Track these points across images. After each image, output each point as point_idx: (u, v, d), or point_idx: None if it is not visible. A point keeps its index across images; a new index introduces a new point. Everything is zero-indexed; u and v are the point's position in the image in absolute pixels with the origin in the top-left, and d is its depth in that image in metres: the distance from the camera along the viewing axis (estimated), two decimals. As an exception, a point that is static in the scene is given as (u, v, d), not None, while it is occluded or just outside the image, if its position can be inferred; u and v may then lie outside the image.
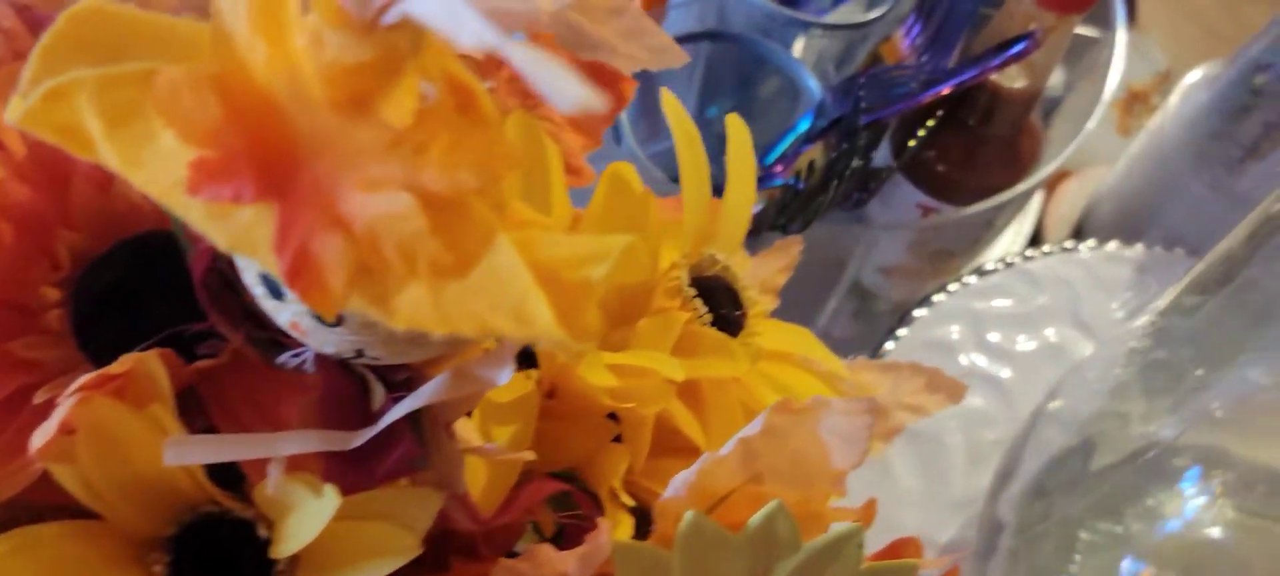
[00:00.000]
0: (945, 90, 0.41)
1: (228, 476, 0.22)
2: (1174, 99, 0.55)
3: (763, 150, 0.54)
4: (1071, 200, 0.64)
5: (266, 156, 0.17)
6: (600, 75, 0.35)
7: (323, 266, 0.17)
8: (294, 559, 0.22)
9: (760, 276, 0.34)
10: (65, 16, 0.19)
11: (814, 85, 0.51)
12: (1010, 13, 0.42)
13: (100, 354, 0.23)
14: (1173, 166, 0.54)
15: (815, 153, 0.47)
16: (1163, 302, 0.35)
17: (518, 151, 0.17)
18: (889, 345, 0.44)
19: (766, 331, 0.29)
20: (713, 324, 0.26)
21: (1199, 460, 0.32)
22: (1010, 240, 0.62)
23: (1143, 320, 0.36)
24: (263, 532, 0.22)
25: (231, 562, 0.22)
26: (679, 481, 0.21)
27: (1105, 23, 0.55)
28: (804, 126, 0.49)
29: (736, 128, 0.29)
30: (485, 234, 0.17)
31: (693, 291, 0.26)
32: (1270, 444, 0.30)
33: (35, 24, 0.27)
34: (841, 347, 0.58)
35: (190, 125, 0.17)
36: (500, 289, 0.17)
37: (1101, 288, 0.46)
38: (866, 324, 0.58)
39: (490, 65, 0.34)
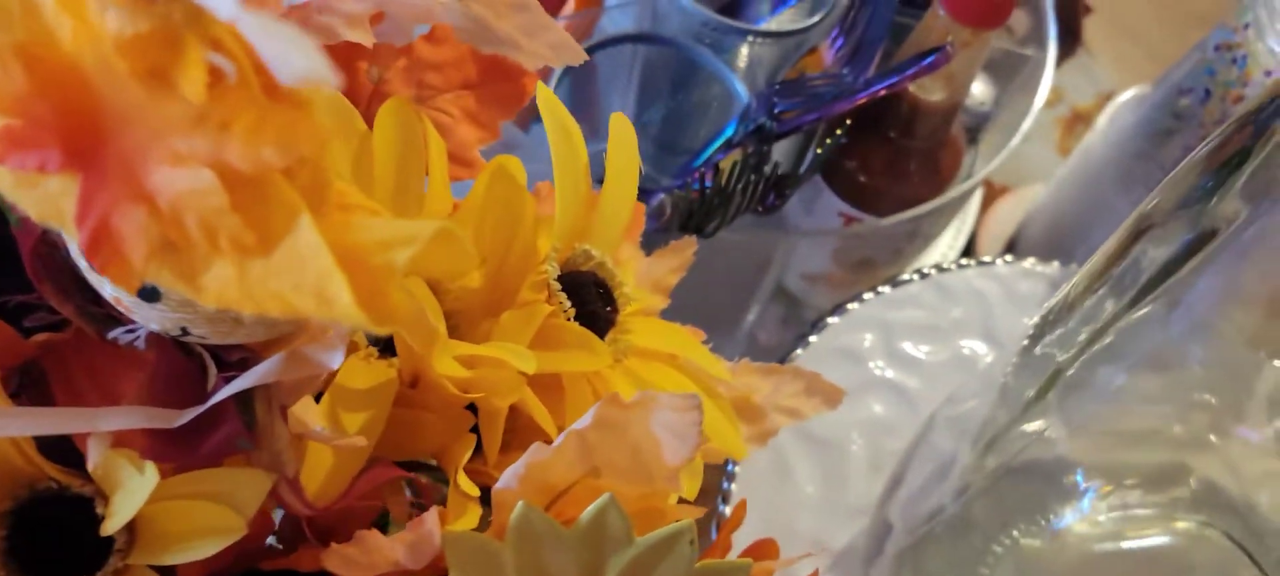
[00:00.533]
0: (859, 101, 0.41)
1: (69, 454, 0.22)
2: (1103, 119, 0.56)
3: (695, 154, 0.54)
4: (1005, 217, 0.64)
5: (73, 127, 0.17)
6: (503, 70, 0.35)
7: (123, 239, 0.17)
8: (130, 536, 0.22)
9: (653, 276, 0.35)
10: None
11: (742, 91, 0.51)
12: (928, 27, 0.42)
13: (-56, 323, 0.23)
14: (1100, 186, 0.54)
15: (734, 158, 0.47)
16: (1050, 302, 0.35)
17: (324, 131, 0.17)
18: (799, 351, 0.44)
19: (644, 330, 0.29)
20: (578, 319, 0.26)
21: (1080, 461, 0.32)
22: (941, 254, 0.63)
23: (1032, 319, 0.36)
24: (100, 510, 0.22)
25: (70, 539, 0.22)
26: (510, 473, 0.21)
27: (1041, 41, 0.56)
28: (728, 132, 0.49)
29: (619, 126, 0.29)
30: (289, 214, 0.17)
31: (558, 286, 0.26)
32: (1138, 443, 0.31)
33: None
34: (766, 353, 0.58)
35: (-6, 93, 0.17)
36: (302, 269, 0.17)
37: (1015, 303, 0.46)
38: (794, 330, 0.58)
39: (387, 53, 0.34)
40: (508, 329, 0.25)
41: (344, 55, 0.33)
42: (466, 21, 0.31)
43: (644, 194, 0.48)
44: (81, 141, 0.17)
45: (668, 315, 0.36)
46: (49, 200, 0.17)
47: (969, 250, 0.64)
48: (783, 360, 0.46)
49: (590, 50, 0.53)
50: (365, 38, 0.28)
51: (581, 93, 0.56)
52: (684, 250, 0.35)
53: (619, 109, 0.62)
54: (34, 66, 0.17)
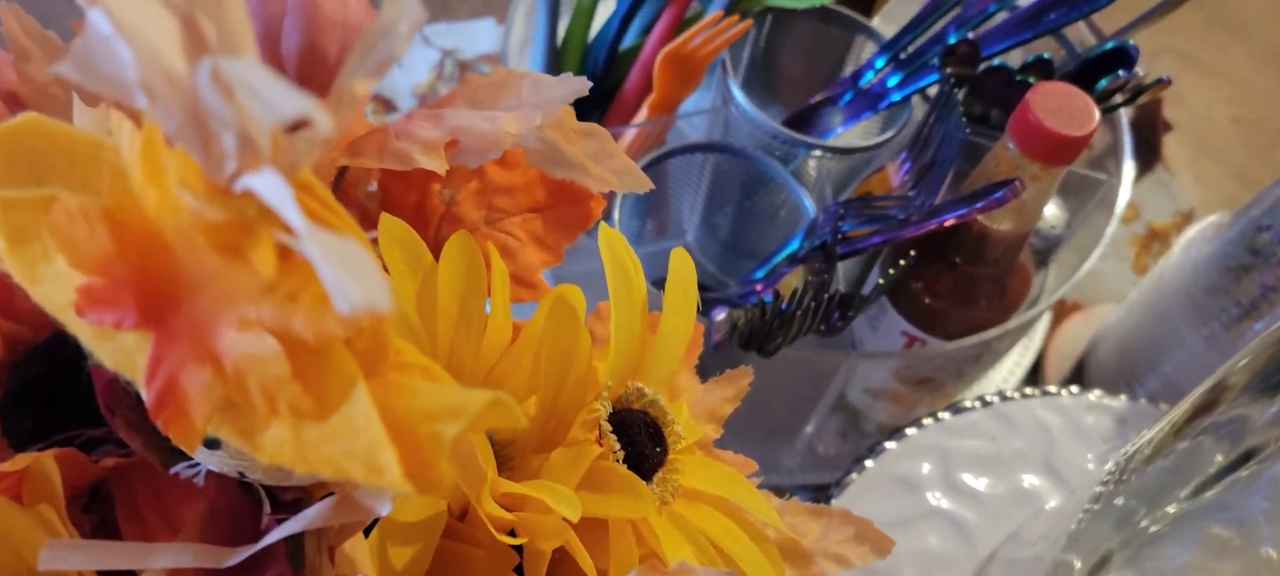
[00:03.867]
0: (925, 229, 0.41)
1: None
2: (1177, 247, 0.55)
3: (761, 259, 0.54)
4: (1075, 336, 0.63)
5: (150, 288, 0.18)
6: (570, 194, 0.36)
7: (187, 400, 0.17)
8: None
9: (707, 404, 0.35)
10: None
11: (809, 205, 0.52)
12: (998, 158, 0.42)
13: (23, 441, 0.24)
14: (1171, 316, 0.53)
15: (798, 275, 0.48)
16: (1127, 450, 0.35)
17: (391, 303, 0.17)
18: (855, 475, 0.44)
19: (693, 470, 0.29)
20: (627, 459, 0.26)
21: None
22: (1009, 370, 0.62)
23: (1106, 466, 0.36)
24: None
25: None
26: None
27: (1117, 163, 0.55)
28: (794, 246, 0.49)
29: (679, 261, 0.30)
30: (346, 383, 0.17)
31: (609, 426, 0.26)
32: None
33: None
34: (825, 465, 0.58)
35: (79, 252, 0.17)
36: (355, 437, 0.17)
37: (1079, 436, 0.45)
38: (853, 444, 0.58)
39: (460, 175, 0.35)
40: (557, 468, 0.25)
41: (418, 178, 0.34)
42: (539, 145, 0.32)
43: (706, 306, 0.49)
44: (156, 302, 0.18)
45: (730, 423, 0.36)
46: (124, 354, 0.18)
47: (1036, 369, 0.63)
48: (840, 481, 0.45)
49: (662, 158, 0.54)
50: (439, 165, 0.29)
51: (654, 194, 0.57)
52: (739, 380, 0.35)
53: (689, 211, 0.63)
54: (118, 230, 0.18)
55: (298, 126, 0.15)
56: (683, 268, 0.31)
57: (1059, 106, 0.39)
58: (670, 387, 0.33)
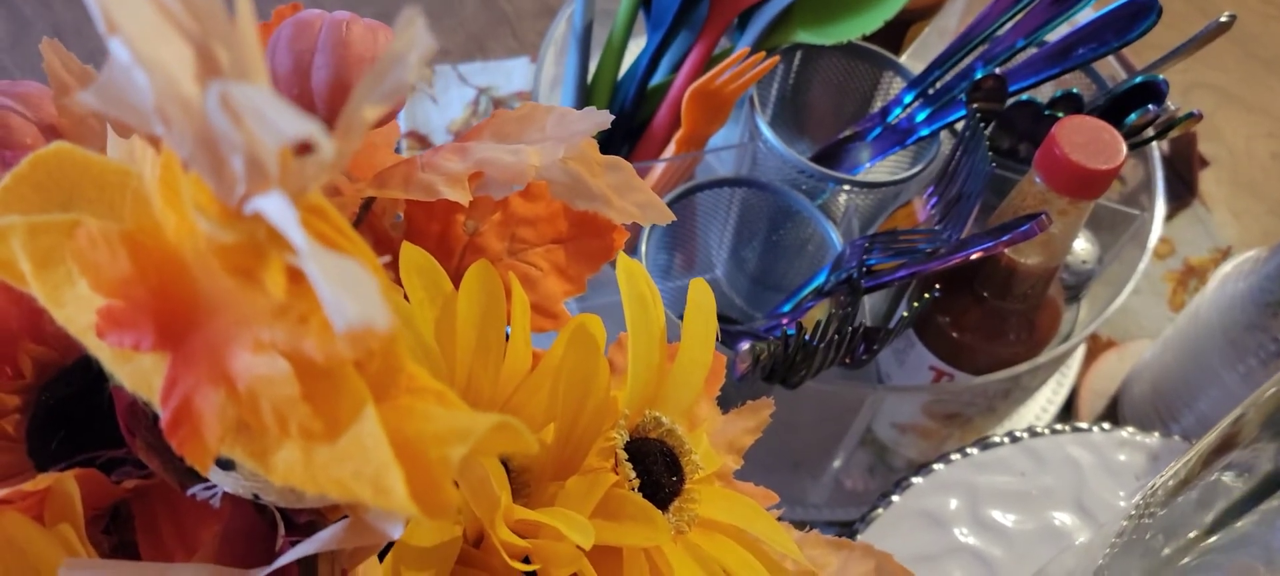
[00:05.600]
0: (951, 263, 0.41)
1: None
2: (1213, 283, 0.54)
3: (789, 292, 0.54)
4: (1109, 373, 0.62)
5: (168, 310, 0.18)
6: (593, 226, 0.36)
7: (201, 420, 0.18)
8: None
9: (728, 435, 0.35)
10: (30, 159, 0.21)
11: (836, 238, 0.52)
12: (1025, 192, 0.42)
13: (47, 461, 0.24)
14: (1207, 353, 0.52)
15: (824, 308, 0.48)
16: (1154, 483, 0.34)
17: (396, 327, 0.18)
18: (880, 510, 0.43)
19: (710, 500, 0.29)
20: (643, 488, 0.26)
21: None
22: (1042, 407, 0.61)
23: (1134, 499, 0.35)
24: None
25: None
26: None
27: (1150, 198, 0.55)
28: (820, 279, 0.49)
29: (698, 292, 0.30)
30: (355, 405, 0.18)
31: (625, 454, 0.26)
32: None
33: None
34: (852, 501, 0.57)
35: (100, 276, 0.18)
36: (363, 459, 0.17)
37: (1111, 473, 0.44)
38: (881, 479, 0.57)
39: (484, 207, 0.36)
40: (572, 496, 0.26)
41: (442, 209, 0.35)
42: (563, 177, 0.33)
43: (730, 338, 0.49)
44: (174, 324, 0.18)
45: (754, 455, 0.36)
46: (141, 375, 0.18)
47: (1069, 405, 0.62)
48: (865, 516, 0.45)
49: (690, 192, 0.54)
50: (463, 196, 0.30)
51: (682, 228, 0.57)
52: (760, 411, 0.35)
53: (717, 245, 0.64)
54: (138, 254, 0.18)
55: (308, 151, 0.15)
56: (702, 298, 0.31)
57: (1086, 141, 0.38)
58: (690, 417, 0.33)
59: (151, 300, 0.18)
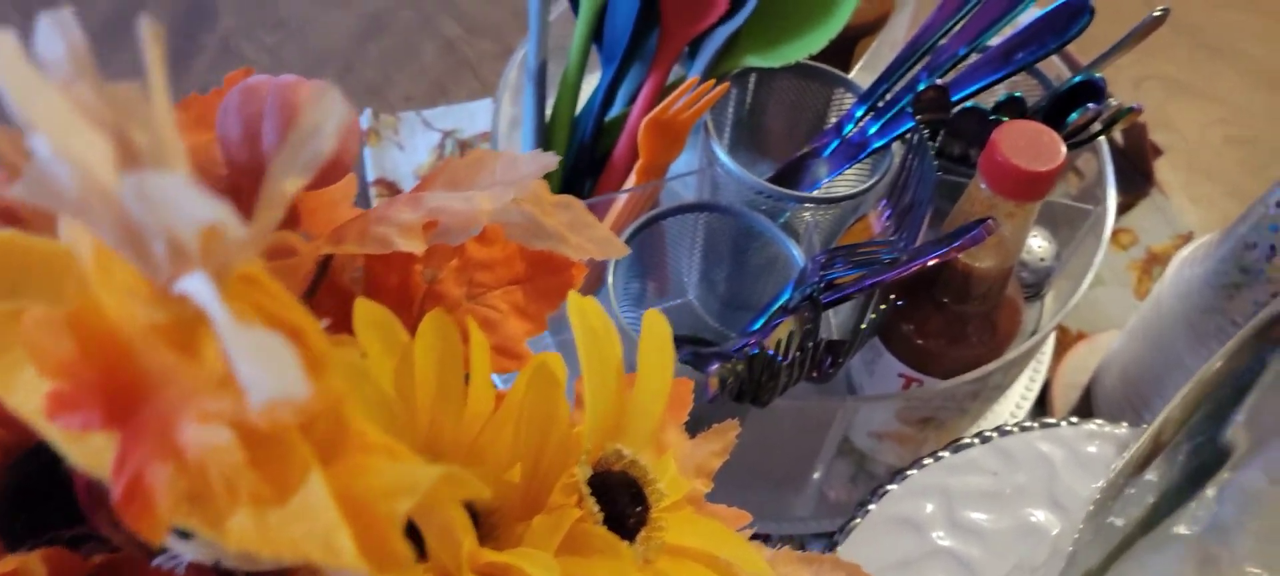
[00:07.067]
0: (903, 274, 0.42)
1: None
2: (1170, 271, 0.55)
3: (759, 310, 0.55)
4: (1080, 365, 0.63)
5: (114, 389, 0.19)
6: (550, 264, 0.37)
7: (152, 494, 0.18)
8: None
9: (696, 459, 0.35)
10: (-26, 249, 0.22)
11: (798, 255, 0.52)
12: (972, 197, 0.42)
13: (16, 541, 0.25)
14: (1170, 340, 0.53)
15: (789, 325, 0.48)
16: (1115, 466, 0.35)
17: (337, 391, 0.18)
18: (858, 520, 0.44)
19: (678, 527, 0.29)
20: (608, 521, 0.27)
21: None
22: (1016, 403, 0.62)
23: (1098, 485, 0.36)
24: None
25: None
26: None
27: (1103, 194, 0.56)
28: (785, 297, 0.50)
29: (653, 323, 0.30)
30: (302, 468, 0.18)
31: (588, 489, 0.27)
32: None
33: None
34: (837, 511, 0.58)
35: (46, 359, 0.18)
36: (313, 520, 0.18)
37: (1082, 466, 0.45)
38: (863, 487, 0.58)
39: (441, 254, 0.36)
40: (538, 534, 0.26)
41: (400, 260, 0.35)
42: (519, 218, 0.33)
43: (701, 361, 0.49)
44: (120, 402, 0.18)
45: (735, 474, 0.36)
46: (93, 453, 0.19)
47: (1042, 399, 0.63)
48: (844, 526, 0.45)
49: (656, 220, 0.55)
50: (418, 246, 0.30)
51: (650, 254, 0.58)
52: (726, 434, 0.35)
53: (687, 269, 0.64)
54: (82, 335, 0.18)
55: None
56: (656, 329, 0.31)
57: (1026, 144, 0.39)
58: (657, 444, 0.34)
59: (97, 380, 0.18)
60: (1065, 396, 0.62)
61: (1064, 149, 0.39)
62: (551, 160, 0.33)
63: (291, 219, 0.39)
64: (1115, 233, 0.73)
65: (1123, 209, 0.73)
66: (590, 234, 0.34)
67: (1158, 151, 0.72)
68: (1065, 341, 0.66)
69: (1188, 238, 0.72)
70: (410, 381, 0.29)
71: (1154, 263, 0.71)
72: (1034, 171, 0.39)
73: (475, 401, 0.30)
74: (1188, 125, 0.79)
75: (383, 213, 0.32)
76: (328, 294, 0.36)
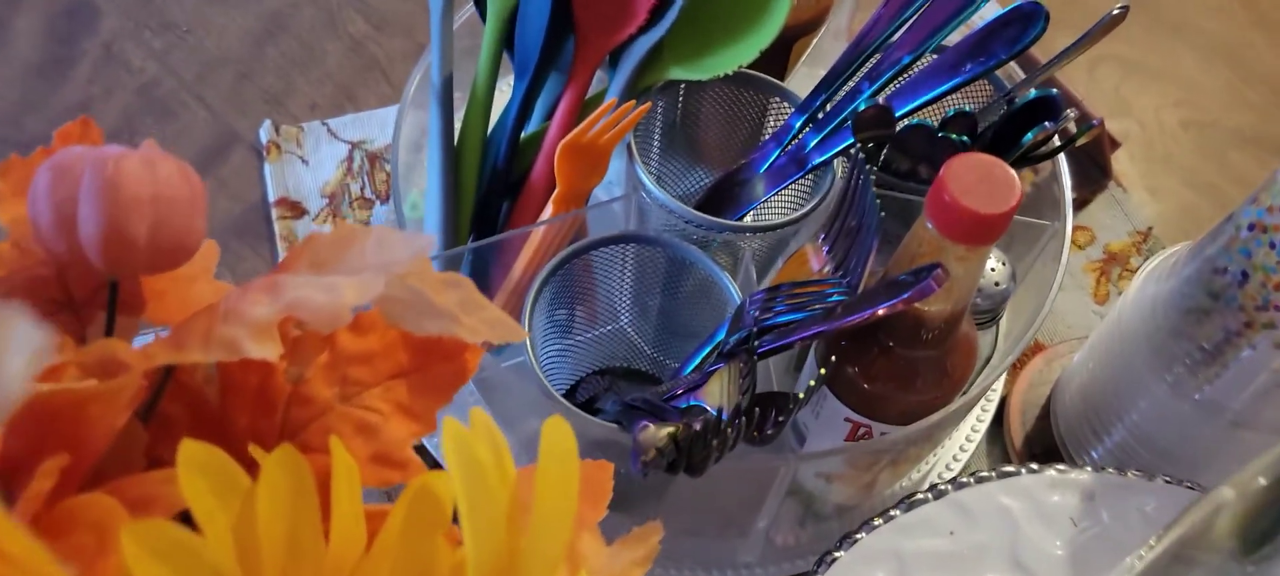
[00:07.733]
0: (846, 326, 0.38)
1: None
2: (1132, 288, 0.51)
3: (698, 341, 0.50)
4: (1038, 380, 0.60)
5: None
6: (441, 350, 0.32)
7: None
8: None
9: (613, 571, 0.31)
10: None
11: (733, 290, 0.48)
12: (919, 238, 0.38)
13: None
14: (1133, 361, 0.50)
15: (724, 375, 0.44)
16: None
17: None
18: (803, 595, 0.40)
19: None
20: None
21: None
22: (971, 426, 0.58)
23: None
24: None
25: None
26: None
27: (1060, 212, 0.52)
28: (720, 337, 0.46)
29: (553, 431, 0.26)
30: None
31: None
32: None
33: None
34: (785, 556, 0.54)
35: None
36: None
37: (1044, 520, 0.41)
38: (812, 530, 0.54)
39: (308, 347, 0.31)
40: None
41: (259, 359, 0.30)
42: (405, 292, 0.29)
43: (628, 421, 0.45)
44: None
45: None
46: None
47: (1000, 416, 0.59)
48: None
49: (579, 253, 0.50)
50: (272, 351, 0.25)
51: (580, 283, 0.53)
52: (648, 539, 0.31)
53: (619, 295, 0.59)
54: None
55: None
56: (556, 441, 0.27)
57: (977, 181, 0.35)
58: (570, 559, 0.29)
59: None
60: (1024, 415, 0.58)
61: (1018, 186, 0.35)
62: (429, 242, 0.28)
63: (135, 305, 0.34)
64: (1072, 231, 0.69)
65: (1079, 205, 0.69)
66: (484, 315, 0.30)
67: (1115, 144, 0.68)
68: (1022, 355, 0.62)
69: (1147, 234, 0.68)
70: (254, 537, 0.24)
71: (1113, 263, 0.67)
72: (987, 215, 0.34)
73: (341, 542, 0.25)
74: (1144, 109, 0.75)
75: (233, 306, 0.27)
76: (175, 400, 0.31)
